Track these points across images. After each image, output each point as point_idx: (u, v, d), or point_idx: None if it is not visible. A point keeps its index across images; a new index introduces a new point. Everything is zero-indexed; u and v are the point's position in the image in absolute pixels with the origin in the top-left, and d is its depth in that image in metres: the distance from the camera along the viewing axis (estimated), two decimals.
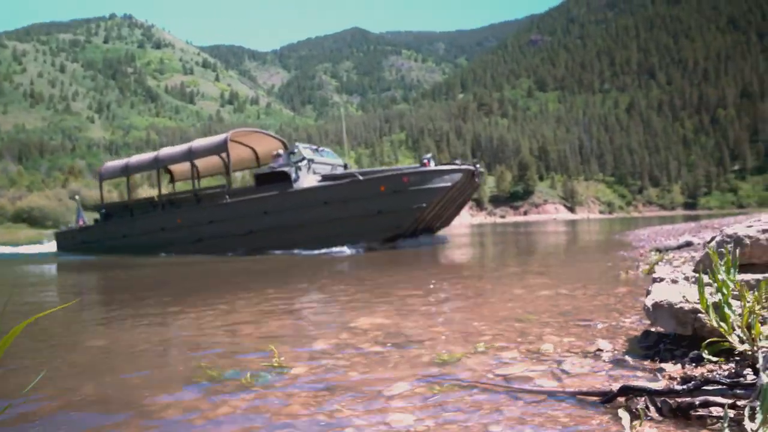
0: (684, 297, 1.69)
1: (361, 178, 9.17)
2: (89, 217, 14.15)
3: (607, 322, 2.37)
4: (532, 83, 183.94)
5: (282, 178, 9.87)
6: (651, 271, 3.77)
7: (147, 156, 12.11)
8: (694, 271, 2.11)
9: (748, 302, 1.43)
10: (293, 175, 9.76)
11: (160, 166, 11.72)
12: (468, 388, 1.56)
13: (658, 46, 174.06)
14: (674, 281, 1.99)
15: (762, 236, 1.85)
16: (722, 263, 1.56)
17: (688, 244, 5.13)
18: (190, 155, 11.13)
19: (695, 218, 27.37)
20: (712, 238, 2.12)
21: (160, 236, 10.96)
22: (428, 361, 1.89)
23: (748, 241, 1.86)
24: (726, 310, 1.43)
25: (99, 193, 12.60)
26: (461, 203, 10.11)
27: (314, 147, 10.70)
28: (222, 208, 10.30)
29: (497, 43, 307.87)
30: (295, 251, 9.39)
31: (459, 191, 9.39)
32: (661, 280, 2.02)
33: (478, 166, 9.64)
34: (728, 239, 1.93)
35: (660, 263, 4.26)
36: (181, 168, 13.25)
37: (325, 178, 9.84)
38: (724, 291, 1.45)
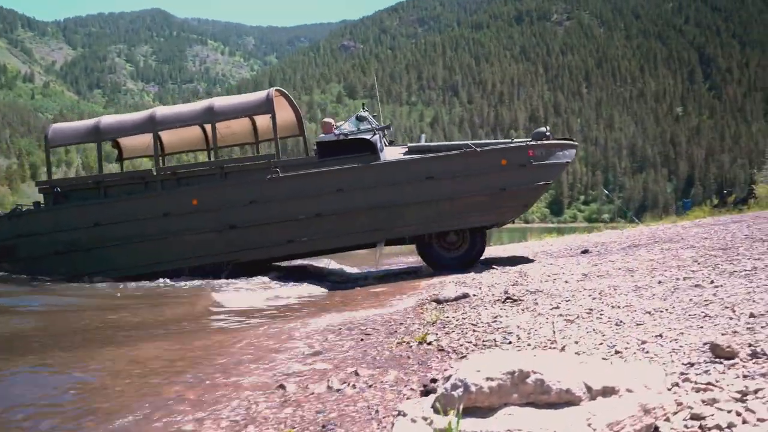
0: None
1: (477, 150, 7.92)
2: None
3: None
4: (342, 89, 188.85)
5: (359, 148, 8.03)
6: (423, 339, 3.40)
7: (136, 116, 9.03)
8: (433, 408, 1.73)
9: None
10: (378, 144, 8.05)
11: (157, 129, 8.64)
12: None
13: (462, 66, 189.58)
14: (413, 420, 1.62)
15: (485, 384, 1.49)
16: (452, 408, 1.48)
17: (465, 295, 4.99)
18: (210, 116, 8.42)
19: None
20: (447, 378, 1.74)
21: (161, 224, 8.12)
22: None
23: (473, 389, 1.49)
24: None
25: (42, 166, 9.14)
26: None
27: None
28: (271, 184, 7.99)
29: (309, 44, 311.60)
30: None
31: None
32: (405, 414, 1.66)
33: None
34: (459, 383, 1.56)
35: (438, 323, 3.98)
36: (140, 141, 9.78)
37: (412, 150, 8.33)
38: None
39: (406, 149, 8.34)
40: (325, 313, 4.96)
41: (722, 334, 2.39)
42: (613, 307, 3.35)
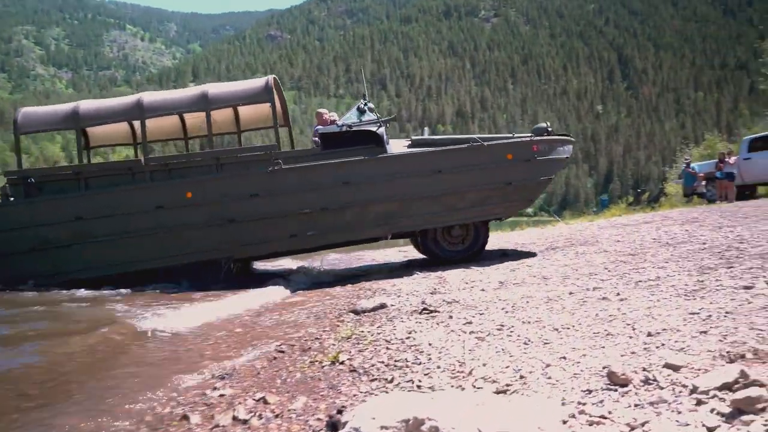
0: None
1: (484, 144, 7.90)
2: None
3: None
4: None
5: (363, 140, 7.84)
6: (335, 359, 3.34)
7: (119, 102, 8.38)
8: None
9: None
10: (385, 137, 7.91)
11: (145, 117, 8.00)
12: None
13: (390, 59, 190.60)
14: None
15: None
16: None
17: (382, 306, 4.98)
18: (204, 104, 7.91)
19: None
20: (344, 424, 1.71)
21: (152, 218, 7.61)
22: None
23: None
24: None
25: (12, 154, 8.02)
26: None
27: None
28: (274, 176, 7.66)
29: (235, 33, 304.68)
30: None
31: None
32: None
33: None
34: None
35: (353, 337, 3.94)
36: (113, 129, 9.10)
37: (415, 143, 8.20)
38: None
39: (410, 142, 8.32)
40: (242, 329, 4.86)
41: (621, 356, 2.49)
42: (524, 322, 3.43)
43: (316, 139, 8.10)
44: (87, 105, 8.14)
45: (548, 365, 2.50)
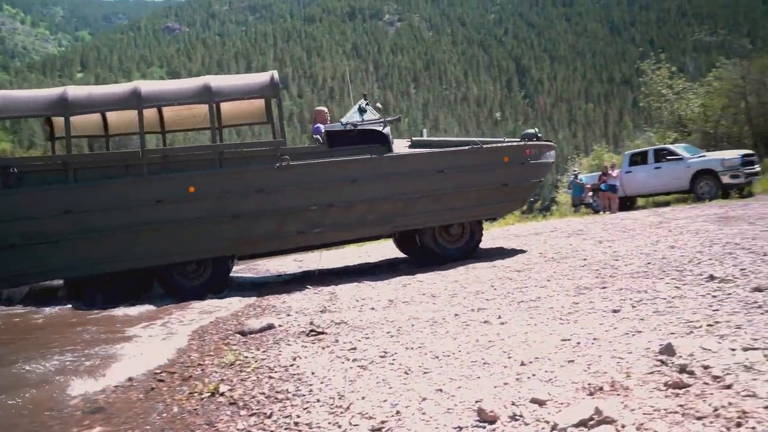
0: None
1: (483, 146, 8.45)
2: None
3: None
4: (165, 74, 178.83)
5: (368, 139, 8.04)
6: (216, 390, 3.24)
7: (113, 90, 7.84)
8: None
9: None
10: (390, 137, 8.20)
11: (143, 106, 7.51)
12: None
13: (293, 58, 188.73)
14: None
15: None
16: None
17: (270, 326, 4.91)
18: (208, 96, 7.68)
19: None
20: None
21: (150, 213, 7.24)
22: None
23: None
24: None
25: None
26: None
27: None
28: (281, 173, 7.57)
29: (129, 22, 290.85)
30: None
31: None
32: None
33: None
34: None
35: (236, 363, 3.85)
36: (87, 119, 8.39)
37: (416, 144, 8.44)
38: None
39: (410, 142, 8.54)
40: (122, 357, 4.63)
41: (494, 387, 2.60)
42: (407, 348, 3.50)
43: (317, 136, 8.21)
44: (76, 91, 7.61)
45: (424, 399, 2.56)
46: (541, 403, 2.29)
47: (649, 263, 5.51)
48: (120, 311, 6.37)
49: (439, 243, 8.40)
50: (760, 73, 22.45)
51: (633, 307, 3.78)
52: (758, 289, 3.80)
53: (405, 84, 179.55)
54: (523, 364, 2.86)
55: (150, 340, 4.84)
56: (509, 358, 3.00)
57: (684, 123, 23.98)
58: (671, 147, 16.87)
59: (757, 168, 15.98)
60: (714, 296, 3.79)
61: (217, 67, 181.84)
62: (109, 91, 7.90)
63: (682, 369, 2.53)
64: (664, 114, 24.66)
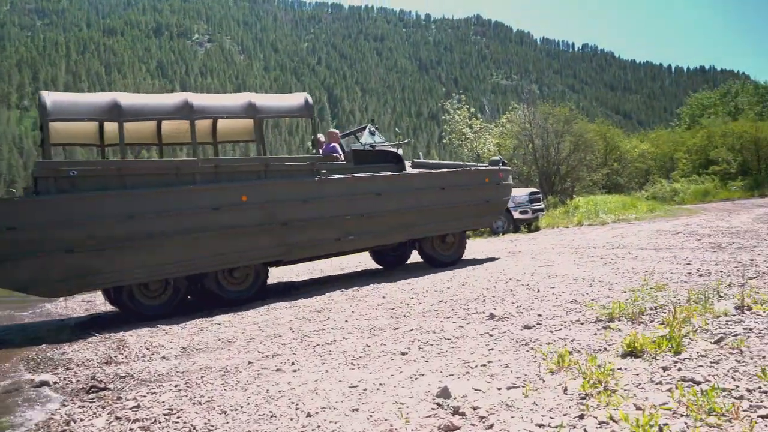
0: None
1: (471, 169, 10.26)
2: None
3: None
4: None
5: (384, 159, 9.52)
6: None
7: (163, 99, 8.33)
8: None
9: None
10: (402, 157, 9.74)
11: (195, 117, 8.00)
12: None
13: (90, 72, 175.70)
14: None
15: None
16: None
17: (44, 384, 4.47)
18: (253, 111, 8.45)
19: None
20: None
21: (208, 219, 7.68)
22: None
23: None
24: None
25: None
26: None
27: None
28: (322, 184, 8.58)
29: None
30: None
31: None
32: None
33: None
34: None
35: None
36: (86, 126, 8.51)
37: (416, 165, 9.88)
38: None
39: (411, 163, 9.84)
40: None
41: None
42: (194, 403, 3.41)
43: (336, 155, 9.08)
44: (128, 98, 7.87)
45: None
46: None
47: (441, 301, 5.94)
48: None
49: (436, 251, 9.88)
50: (543, 119, 25.47)
51: (420, 348, 4.05)
52: (527, 327, 4.29)
53: None
54: (309, 415, 2.93)
55: None
56: (297, 409, 3.05)
57: (482, 160, 26.33)
58: None
59: (542, 205, 18.10)
60: (491, 335, 4.19)
61: None
62: (161, 100, 8.32)
63: (455, 411, 2.77)
64: (465, 151, 26.86)
